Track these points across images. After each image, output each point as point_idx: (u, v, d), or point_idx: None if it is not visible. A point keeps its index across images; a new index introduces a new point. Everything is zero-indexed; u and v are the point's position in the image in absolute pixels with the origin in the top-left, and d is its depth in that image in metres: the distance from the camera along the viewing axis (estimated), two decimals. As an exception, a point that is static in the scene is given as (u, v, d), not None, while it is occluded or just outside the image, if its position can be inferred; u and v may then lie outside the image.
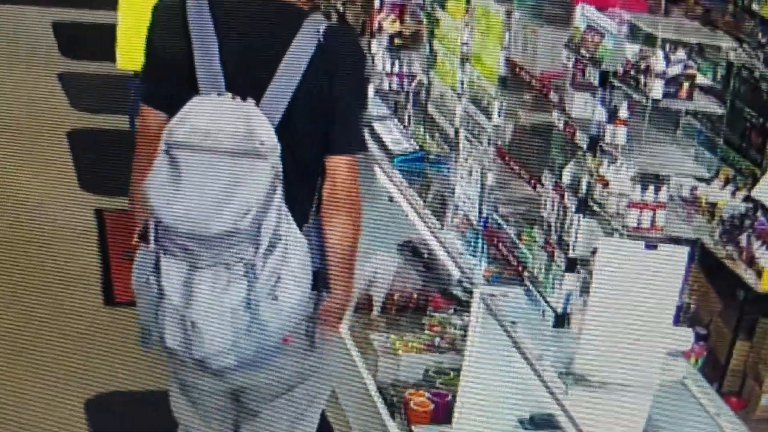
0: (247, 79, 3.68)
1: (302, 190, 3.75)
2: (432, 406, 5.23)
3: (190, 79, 3.68)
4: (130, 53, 6.97)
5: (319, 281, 3.90)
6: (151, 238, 3.55)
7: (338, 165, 3.82)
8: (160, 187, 3.48)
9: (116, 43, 7.10)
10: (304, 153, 3.76)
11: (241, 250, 3.50)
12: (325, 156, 3.82)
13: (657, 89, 3.60)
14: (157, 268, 3.60)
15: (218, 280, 3.52)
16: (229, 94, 3.59)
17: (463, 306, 5.43)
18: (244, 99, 3.58)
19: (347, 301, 4.15)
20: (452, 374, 5.30)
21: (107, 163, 8.82)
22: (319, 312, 3.98)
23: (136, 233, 3.71)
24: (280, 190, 3.56)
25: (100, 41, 10.92)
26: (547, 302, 4.09)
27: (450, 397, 5.07)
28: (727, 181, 6.45)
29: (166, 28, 3.84)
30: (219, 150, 3.46)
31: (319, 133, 3.78)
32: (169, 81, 3.84)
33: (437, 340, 5.65)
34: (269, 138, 3.52)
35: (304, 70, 3.67)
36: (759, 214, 6.12)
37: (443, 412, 5.10)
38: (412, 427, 5.14)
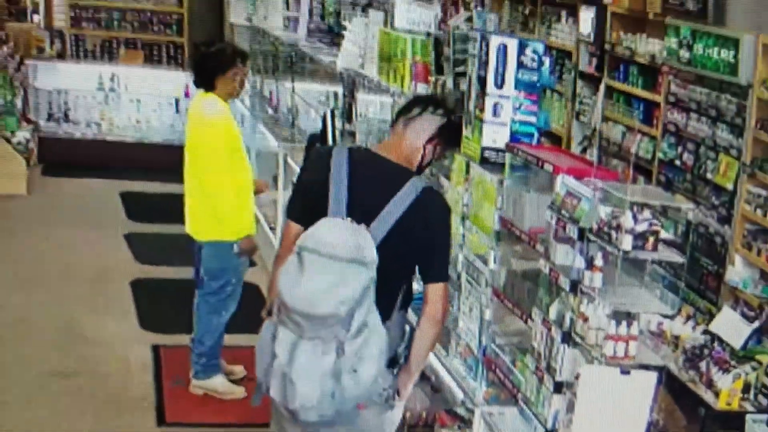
0: (363, 211, 4.18)
1: (388, 296, 4.18)
2: None
3: (324, 205, 4.22)
4: (197, 226, 7.04)
5: (395, 363, 4.36)
6: (275, 313, 4.14)
7: (436, 290, 4.32)
8: (288, 277, 4.06)
9: (186, 217, 7.12)
10: (393, 271, 4.18)
11: (336, 330, 4.01)
12: (424, 284, 4.34)
13: (627, 243, 3.62)
14: (274, 336, 4.12)
15: (315, 351, 4.04)
16: (349, 219, 4.15)
17: (466, 423, 5.38)
18: (359, 223, 4.11)
19: (414, 379, 4.51)
20: (458, 485, 5.25)
21: (163, 305, 8.88)
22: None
23: (265, 310, 4.41)
24: (372, 293, 4.08)
25: (160, 207, 11.11)
26: (538, 419, 4.07)
27: (456, 504, 5.03)
28: (688, 318, 6.46)
29: (315, 167, 4.45)
30: (335, 257, 4.01)
31: (405, 259, 4.29)
32: (309, 204, 4.35)
33: (444, 455, 5.61)
34: (371, 253, 4.05)
35: (402, 212, 4.20)
36: (716, 344, 6.13)
37: None
38: None
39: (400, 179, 4.27)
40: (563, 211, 3.95)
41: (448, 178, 5.23)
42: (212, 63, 6.95)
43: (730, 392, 5.77)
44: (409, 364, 4.43)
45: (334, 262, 4.02)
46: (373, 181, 4.30)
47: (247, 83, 8.93)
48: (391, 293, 4.26)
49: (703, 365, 6.00)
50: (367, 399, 4.22)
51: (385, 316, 4.18)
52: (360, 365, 4.07)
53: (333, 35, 9.31)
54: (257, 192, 7.46)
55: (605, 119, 9.64)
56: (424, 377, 4.60)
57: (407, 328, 4.50)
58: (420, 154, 4.50)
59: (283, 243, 4.44)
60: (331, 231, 4.09)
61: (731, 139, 7.80)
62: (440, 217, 4.35)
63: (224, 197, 6.78)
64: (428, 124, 4.51)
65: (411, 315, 4.62)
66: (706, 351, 6.07)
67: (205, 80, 6.95)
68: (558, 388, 3.95)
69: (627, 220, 3.62)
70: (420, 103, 4.61)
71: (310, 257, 4.04)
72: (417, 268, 4.41)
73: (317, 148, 4.93)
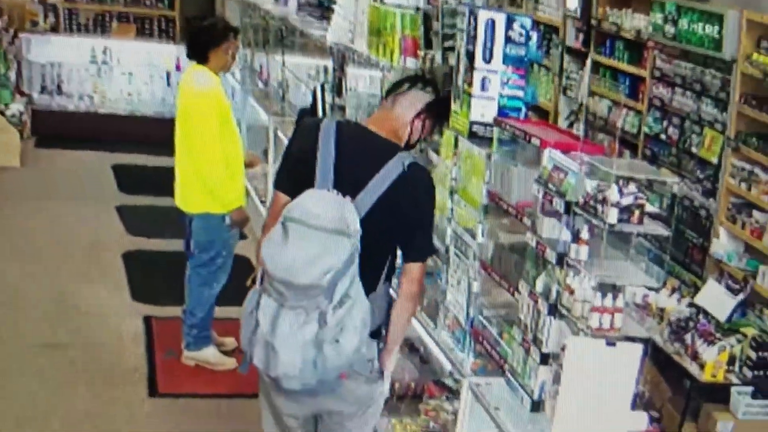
0: (349, 183, 4.16)
1: (372, 269, 4.18)
2: (428, 482, 5.19)
3: (308, 175, 4.21)
4: (187, 199, 7.03)
5: (380, 334, 4.40)
6: (258, 281, 4.15)
7: (413, 269, 4.34)
8: (272, 246, 4.05)
9: (176, 189, 7.10)
10: (378, 243, 4.19)
11: (318, 301, 4.00)
12: (405, 262, 4.35)
13: (613, 216, 3.61)
14: (257, 304, 4.12)
15: (297, 320, 4.03)
16: (335, 191, 4.13)
17: (453, 394, 5.39)
18: (345, 196, 4.10)
19: (393, 353, 4.52)
20: (445, 454, 5.27)
21: (155, 278, 8.87)
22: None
23: (250, 279, 4.38)
24: (356, 264, 4.05)
25: (151, 180, 11.07)
26: (524, 390, 4.07)
27: (443, 473, 5.04)
28: (673, 290, 6.48)
29: (303, 139, 4.43)
30: (319, 227, 4.00)
31: (390, 232, 4.27)
32: (296, 175, 4.32)
33: (431, 424, 5.60)
34: (354, 224, 4.03)
35: (388, 186, 4.18)
36: (701, 317, 6.15)
37: (437, 487, 5.06)
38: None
39: (387, 154, 4.25)
40: (550, 185, 3.94)
41: (437, 152, 5.22)
42: (205, 36, 6.96)
43: (715, 364, 5.79)
44: (387, 340, 4.44)
45: (318, 232, 3.99)
46: (360, 154, 4.28)
47: (238, 57, 8.87)
48: (375, 266, 4.24)
49: (688, 337, 6.01)
50: (350, 369, 4.23)
51: (369, 288, 4.17)
52: (342, 336, 4.05)
53: (323, 9, 9.25)
54: (250, 166, 7.44)
55: (592, 94, 9.64)
56: (413, 349, 4.60)
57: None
58: (408, 129, 4.49)
59: (271, 213, 4.43)
60: (315, 202, 4.07)
61: (716, 114, 7.82)
62: (424, 194, 4.33)
63: (214, 169, 6.77)
64: (416, 99, 4.50)
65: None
66: (691, 323, 6.09)
67: (198, 53, 6.96)
68: (544, 359, 3.95)
69: (613, 194, 3.61)
70: (409, 79, 4.61)
71: (295, 227, 4.01)
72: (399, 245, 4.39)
73: (305, 120, 4.88)
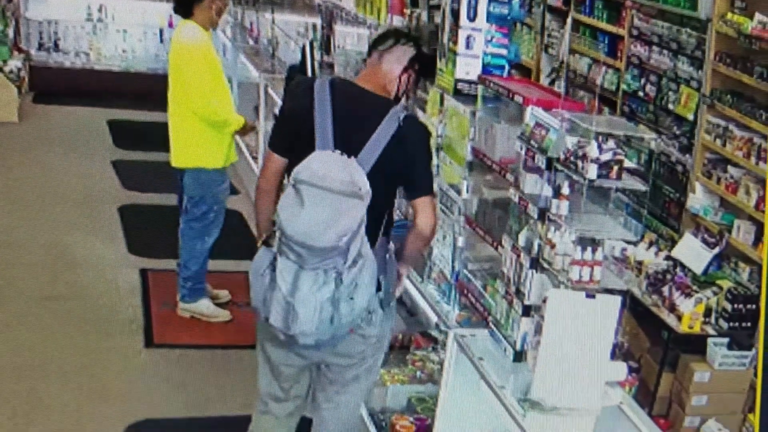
0: (348, 142, 4.12)
1: (373, 224, 4.14)
2: (414, 429, 5.18)
3: (308, 138, 4.14)
4: (179, 154, 6.99)
5: (379, 286, 4.33)
6: (276, 244, 4.10)
7: (423, 202, 4.28)
8: (288, 209, 4.03)
9: (170, 145, 7.04)
10: (378, 199, 4.11)
11: (335, 261, 4.03)
12: (411, 200, 4.33)
13: (592, 171, 3.61)
14: (272, 265, 4.10)
15: (316, 281, 4.05)
16: (338, 151, 4.09)
17: (439, 345, 5.40)
18: (345, 154, 4.08)
19: (404, 275, 4.58)
20: (431, 402, 5.26)
21: (151, 231, 8.84)
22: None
23: (260, 240, 4.35)
24: (364, 223, 4.05)
25: (146, 135, 11.02)
26: (507, 341, 4.07)
27: (429, 420, 5.02)
28: (650, 244, 6.47)
29: (297, 100, 4.34)
30: (331, 189, 3.99)
31: (390, 187, 4.28)
32: (292, 136, 4.30)
33: (418, 374, 5.61)
34: (365, 186, 4.01)
35: (386, 142, 4.14)
36: (678, 270, 6.14)
37: (424, 433, 5.07)
38: (399, 446, 5.12)
39: (382, 109, 4.22)
40: (532, 142, 3.93)
41: (423, 110, 5.18)
42: None
43: (692, 316, 5.79)
44: (401, 264, 4.48)
45: (332, 194, 4.00)
46: (356, 112, 4.24)
47: (228, 16, 8.82)
48: (376, 221, 4.20)
49: (665, 290, 6.01)
50: (355, 322, 4.26)
51: (371, 243, 4.17)
52: (356, 293, 4.09)
53: (312, -32, 9.22)
54: (245, 133, 7.39)
55: (572, 52, 9.63)
56: (400, 301, 4.60)
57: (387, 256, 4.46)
58: (396, 84, 4.46)
59: (265, 174, 4.41)
60: (324, 164, 4.04)
61: (691, 71, 7.82)
62: (421, 141, 4.31)
63: (208, 103, 6.78)
64: (402, 54, 4.46)
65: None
66: (668, 276, 6.08)
67: (183, 7, 6.89)
68: (526, 311, 3.95)
69: (592, 150, 3.62)
70: (392, 35, 4.55)
71: (308, 190, 4.00)
72: (403, 189, 4.39)
73: (297, 81, 4.86)
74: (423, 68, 4.64)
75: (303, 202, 4.00)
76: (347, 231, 3.99)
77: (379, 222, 4.24)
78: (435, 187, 4.51)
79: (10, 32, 13.67)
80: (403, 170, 4.22)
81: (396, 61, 4.44)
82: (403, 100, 4.65)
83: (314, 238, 3.98)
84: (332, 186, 4.00)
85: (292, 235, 4.00)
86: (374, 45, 4.54)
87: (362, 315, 4.23)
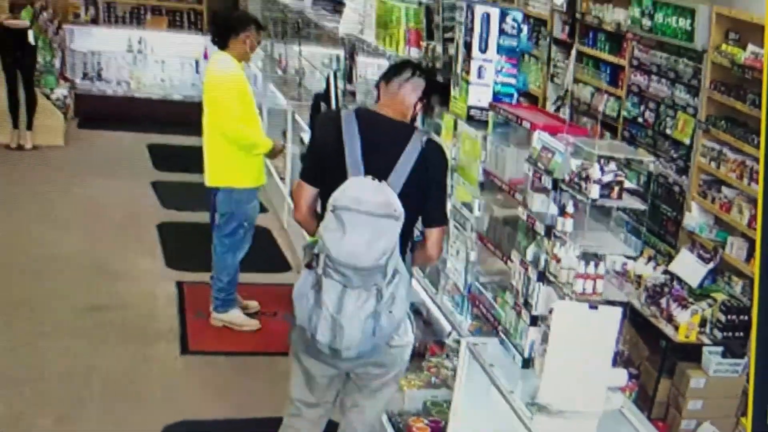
0: (377, 167, 4.14)
1: (402, 240, 4.16)
2: (429, 430, 5.17)
3: (339, 166, 4.16)
4: (213, 174, 7.01)
5: None
6: (320, 266, 4.07)
7: (435, 233, 4.37)
8: (331, 234, 4.02)
9: (204, 166, 7.07)
10: (407, 218, 4.11)
11: (376, 279, 4.05)
12: (425, 227, 4.37)
13: (595, 192, 3.59)
14: (316, 286, 4.10)
15: (359, 297, 4.06)
16: (369, 177, 4.10)
17: (453, 352, 5.38)
18: (378, 180, 4.10)
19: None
20: (445, 405, 5.23)
21: (186, 247, 8.86)
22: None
23: (304, 263, 4.24)
24: (398, 241, 4.08)
25: (182, 158, 11.05)
26: (516, 349, 4.06)
27: (443, 423, 5.00)
28: (649, 259, 6.45)
29: (327, 131, 4.33)
30: (369, 212, 4.01)
31: (414, 207, 4.20)
32: (322, 166, 4.33)
33: (433, 379, 5.59)
34: (399, 207, 4.04)
35: (413, 164, 4.18)
36: (675, 283, 6.12)
37: (438, 434, 5.05)
38: (414, 447, 5.10)
39: (405, 134, 4.25)
40: (539, 164, 3.92)
41: (438, 134, 5.18)
42: (227, 26, 6.96)
43: (688, 326, 5.77)
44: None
45: (370, 217, 4.01)
46: (381, 138, 4.26)
47: (260, 48, 8.83)
48: (403, 237, 4.21)
49: (663, 302, 5.98)
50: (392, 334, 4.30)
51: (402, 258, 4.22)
52: (393, 306, 4.11)
53: (336, 3, 9.21)
54: (274, 156, 7.41)
55: (576, 81, 9.61)
56: (417, 312, 4.60)
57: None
58: (412, 111, 4.48)
59: (300, 204, 4.43)
60: (359, 189, 4.06)
61: (688, 99, 7.81)
62: (441, 164, 4.35)
63: (235, 127, 6.81)
64: (418, 85, 4.48)
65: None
66: (666, 289, 6.06)
67: (220, 40, 6.94)
68: (534, 321, 3.94)
69: (595, 172, 3.59)
70: (407, 67, 4.56)
71: (347, 215, 4.01)
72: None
73: (325, 113, 4.91)
74: (430, 97, 4.66)
75: (344, 227, 4.01)
76: (387, 250, 4.02)
77: (405, 239, 4.27)
78: (448, 211, 4.55)
79: (57, 62, 13.75)
80: (426, 191, 4.25)
81: (412, 90, 4.46)
82: (419, 124, 4.67)
83: (358, 258, 4.00)
84: (369, 209, 4.01)
85: (338, 258, 4.01)
86: (390, 75, 4.53)
87: (399, 326, 4.27)
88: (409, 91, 4.47)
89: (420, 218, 4.37)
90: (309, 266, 4.16)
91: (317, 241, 4.13)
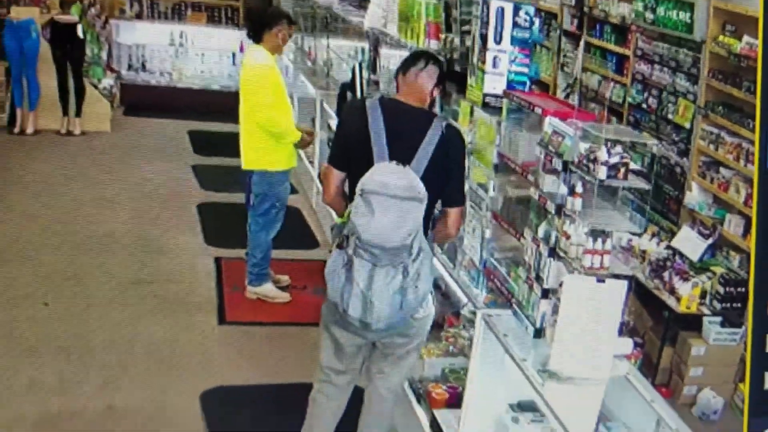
0: (401, 152, 4.12)
1: (425, 220, 4.15)
2: (447, 395, 5.15)
3: (365, 152, 4.15)
4: (248, 158, 6.99)
5: None
6: (351, 246, 4.08)
7: (455, 212, 4.34)
8: (361, 217, 4.04)
9: (240, 151, 7.04)
10: (429, 199, 4.11)
11: (403, 257, 4.06)
12: (444, 207, 4.34)
13: (602, 173, 3.57)
14: (347, 265, 4.11)
15: (387, 275, 4.07)
16: (394, 162, 4.09)
17: (469, 323, 5.35)
18: (402, 165, 4.08)
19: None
20: (462, 372, 5.21)
21: (223, 225, 8.85)
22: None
23: (334, 244, 4.24)
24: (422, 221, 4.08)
25: (220, 143, 11.04)
26: (528, 320, 4.03)
27: (460, 389, 4.99)
28: (653, 235, 6.40)
29: (353, 120, 4.32)
30: (395, 196, 4.02)
31: (436, 188, 4.17)
32: (349, 152, 4.31)
33: (451, 348, 5.57)
34: (422, 190, 4.03)
35: (433, 149, 4.15)
36: (677, 257, 6.07)
37: (455, 400, 5.01)
38: (433, 410, 5.07)
39: (426, 120, 4.24)
40: (550, 147, 3.89)
41: (456, 119, 5.15)
42: (261, 21, 6.93)
43: (689, 298, 5.72)
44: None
45: (396, 200, 4.01)
46: (404, 125, 4.24)
47: (291, 42, 8.81)
48: (426, 217, 4.21)
49: (666, 275, 5.93)
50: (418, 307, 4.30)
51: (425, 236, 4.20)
52: (419, 281, 4.11)
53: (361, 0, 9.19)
54: (304, 146, 7.37)
55: (584, 70, 9.57)
56: (436, 286, 4.59)
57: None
58: (429, 97, 4.47)
59: (330, 188, 4.42)
60: (385, 174, 4.05)
61: (688, 86, 7.78)
62: (459, 148, 4.33)
63: (271, 116, 6.78)
64: (433, 73, 4.47)
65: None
66: (668, 263, 6.01)
67: (255, 34, 6.92)
68: (545, 294, 3.92)
69: (602, 154, 3.57)
70: (421, 57, 4.55)
71: (375, 198, 4.02)
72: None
73: (350, 103, 4.91)
74: (443, 84, 4.67)
75: (373, 210, 4.02)
76: (412, 230, 4.03)
77: (427, 219, 4.25)
78: (465, 191, 4.52)
79: (104, 55, 13.80)
80: (446, 173, 4.22)
81: (429, 78, 4.44)
82: (437, 110, 4.65)
83: (386, 239, 4.01)
84: (396, 192, 4.02)
85: (368, 239, 4.03)
86: (407, 66, 4.51)
87: (424, 301, 4.27)
88: (426, 79, 4.44)
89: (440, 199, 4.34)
90: (340, 246, 4.16)
91: (345, 222, 4.14)
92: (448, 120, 4.38)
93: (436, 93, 4.50)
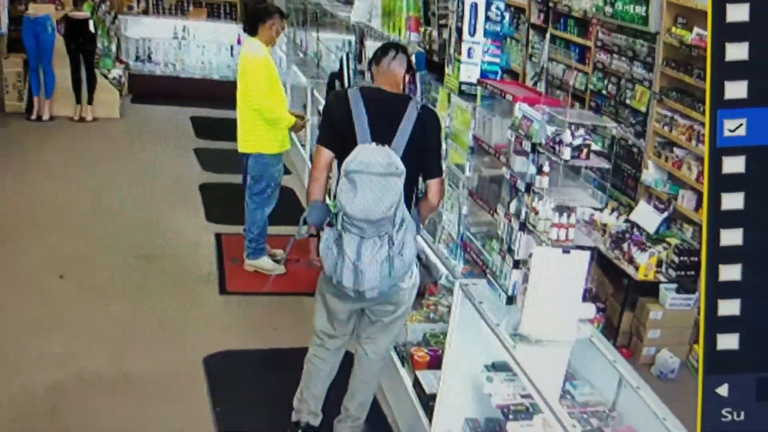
0: (382, 134, 4.17)
1: (407, 194, 4.21)
2: (428, 358, 5.15)
3: (350, 135, 4.18)
4: (244, 142, 6.94)
5: None
6: (339, 222, 4.12)
7: (435, 183, 4.35)
8: (346, 195, 4.08)
9: (237, 135, 7.00)
10: (411, 174, 4.18)
11: (387, 228, 4.09)
12: (426, 180, 4.35)
13: (567, 153, 3.55)
14: (338, 240, 4.15)
15: (374, 246, 4.11)
16: (374, 143, 4.13)
17: (448, 291, 5.34)
18: (382, 145, 4.12)
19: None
20: (441, 337, 5.21)
21: (224, 204, 8.80)
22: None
23: (326, 223, 4.27)
24: (403, 194, 4.10)
25: (219, 128, 10.97)
26: (501, 288, 4.02)
27: (440, 351, 4.98)
28: (613, 210, 6.41)
29: (338, 107, 4.33)
30: (376, 173, 4.05)
31: (417, 164, 4.23)
32: (336, 134, 4.30)
33: (432, 315, 5.57)
34: (401, 165, 4.08)
35: (411, 128, 4.20)
36: (635, 230, 6.07)
37: (436, 362, 5.01)
38: (416, 371, 5.07)
39: (403, 104, 4.27)
40: (520, 131, 3.87)
41: (434, 106, 5.12)
42: (256, 15, 6.88)
43: (647, 266, 5.74)
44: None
45: (377, 177, 4.05)
46: (383, 110, 4.27)
47: (283, 34, 8.75)
48: (409, 191, 4.26)
49: (625, 246, 5.95)
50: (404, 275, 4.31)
51: (408, 209, 4.22)
52: (404, 250, 4.15)
53: (347, -4, 9.16)
54: (297, 130, 7.33)
55: (550, 60, 9.55)
56: (418, 257, 4.57)
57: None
58: (401, 82, 4.53)
59: (318, 166, 4.42)
60: (367, 154, 4.08)
61: (644, 74, 7.78)
62: (435, 126, 4.37)
63: (265, 104, 6.74)
64: (403, 61, 4.54)
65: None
66: (627, 235, 6.02)
67: (251, 27, 6.87)
68: (516, 264, 3.90)
69: (567, 137, 3.56)
70: (390, 48, 4.61)
71: (359, 177, 4.06)
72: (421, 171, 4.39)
73: (335, 93, 4.94)
74: (411, 70, 4.75)
75: (356, 187, 4.05)
76: (393, 203, 4.05)
77: (410, 193, 4.29)
78: (444, 167, 4.51)
79: (113, 47, 13.71)
80: (424, 150, 4.25)
81: (399, 66, 4.51)
82: (418, 97, 4.64)
83: (370, 212, 4.04)
84: (377, 170, 4.05)
85: (354, 214, 4.06)
86: (379, 57, 4.56)
87: (410, 267, 4.28)
88: (397, 66, 4.51)
89: (421, 174, 4.35)
90: (330, 225, 4.21)
91: (335, 206, 4.16)
92: (421, 101, 4.41)
93: (407, 79, 4.56)
